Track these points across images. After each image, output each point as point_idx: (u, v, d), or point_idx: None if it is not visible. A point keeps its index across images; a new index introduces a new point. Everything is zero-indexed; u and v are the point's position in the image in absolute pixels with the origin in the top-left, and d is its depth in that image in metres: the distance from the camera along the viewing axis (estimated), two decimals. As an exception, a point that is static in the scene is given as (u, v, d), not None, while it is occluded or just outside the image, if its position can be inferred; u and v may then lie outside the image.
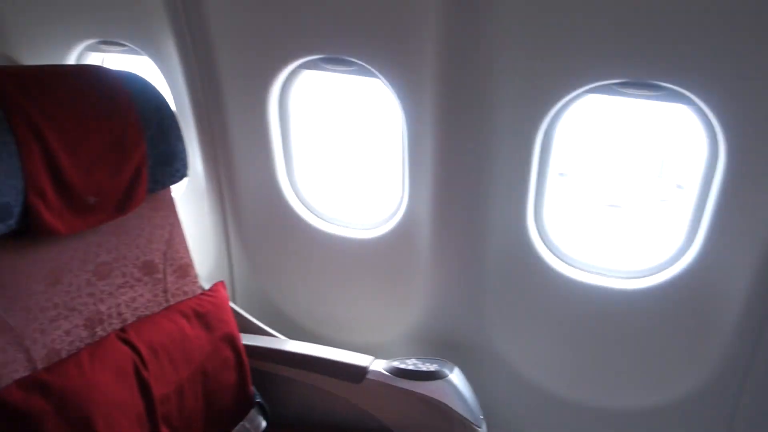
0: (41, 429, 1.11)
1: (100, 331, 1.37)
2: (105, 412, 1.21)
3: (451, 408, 1.49)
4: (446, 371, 1.53)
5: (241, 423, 1.52)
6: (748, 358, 1.41)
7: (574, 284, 1.57)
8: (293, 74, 1.68)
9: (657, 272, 1.50)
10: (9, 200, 1.14)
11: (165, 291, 1.54)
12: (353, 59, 1.56)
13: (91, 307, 1.36)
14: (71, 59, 1.92)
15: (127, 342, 1.36)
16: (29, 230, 1.22)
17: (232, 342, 1.56)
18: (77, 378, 1.20)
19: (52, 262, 1.29)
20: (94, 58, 1.96)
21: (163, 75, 1.82)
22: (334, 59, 1.59)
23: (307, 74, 1.71)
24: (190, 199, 1.92)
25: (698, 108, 1.33)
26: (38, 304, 1.25)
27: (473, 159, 1.51)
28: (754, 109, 1.23)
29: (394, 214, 1.75)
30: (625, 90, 1.37)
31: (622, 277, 1.54)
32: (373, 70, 1.55)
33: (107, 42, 1.88)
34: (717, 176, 1.36)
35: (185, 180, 1.90)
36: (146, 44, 1.79)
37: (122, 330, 1.39)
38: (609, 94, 1.41)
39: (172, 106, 1.52)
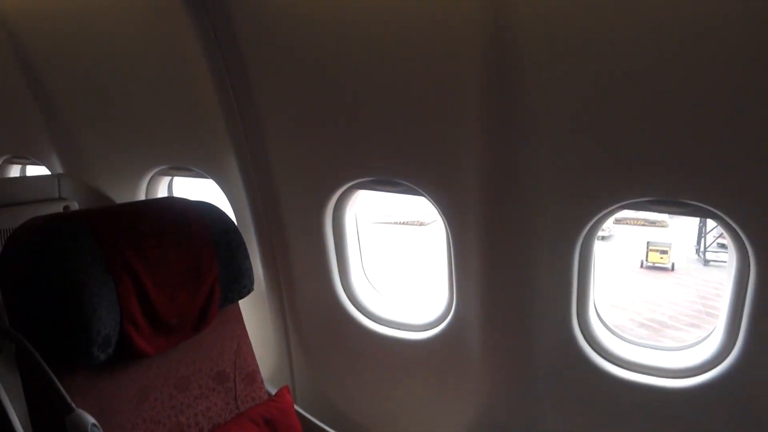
0: None
1: (181, 442, 1.48)
2: None
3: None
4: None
5: None
6: None
7: (620, 382, 1.64)
8: (346, 193, 1.85)
9: (700, 372, 1.56)
10: (109, 332, 1.29)
11: (235, 398, 1.66)
12: (401, 181, 1.72)
13: (173, 419, 1.48)
14: (144, 182, 2.14)
15: (206, 453, 1.47)
16: (121, 356, 1.36)
17: (299, 448, 1.66)
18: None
19: (140, 382, 1.43)
20: (164, 181, 2.18)
21: (226, 195, 2.01)
22: (384, 180, 1.76)
23: (359, 193, 1.88)
24: (252, 304, 2.06)
25: (725, 222, 1.43)
26: (129, 421, 1.37)
27: (517, 267, 1.63)
28: None
29: (445, 316, 1.86)
30: (655, 207, 1.48)
31: (662, 376, 1.60)
32: (419, 190, 1.70)
33: (176, 167, 2.09)
34: (750, 284, 1.44)
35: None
36: (212, 169, 2.00)
37: (201, 441, 1.50)
38: (640, 209, 1.52)
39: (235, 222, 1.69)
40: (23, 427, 1.13)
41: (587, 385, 1.68)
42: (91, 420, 1.08)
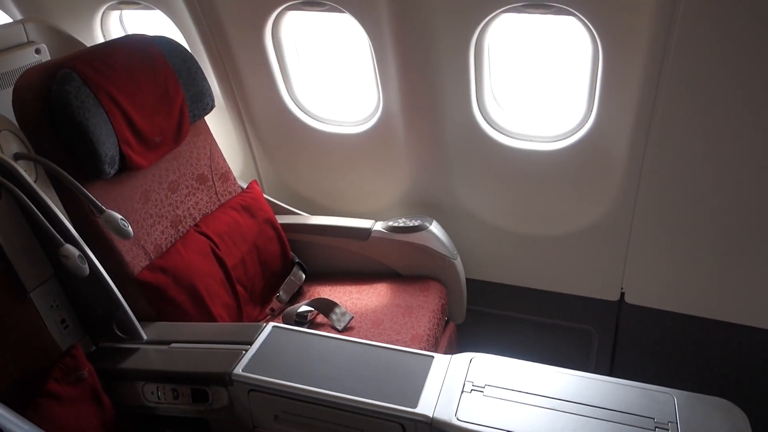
0: (168, 295, 1.74)
1: (181, 228, 1.96)
2: (202, 280, 1.84)
3: (433, 249, 2.12)
4: (427, 224, 2.15)
5: (288, 277, 2.16)
6: (633, 197, 1.99)
7: (511, 150, 2.12)
8: (280, 15, 2.13)
9: (567, 137, 2.05)
10: (113, 153, 1.68)
11: (216, 193, 2.12)
12: (326, 2, 2.01)
13: (172, 213, 1.94)
14: (97, 18, 2.35)
15: (202, 233, 1.95)
16: (124, 169, 1.76)
17: (271, 223, 2.17)
18: (180, 261, 1.82)
19: (142, 187, 1.86)
20: (114, 16, 2.38)
21: (176, 25, 2.26)
22: (312, 2, 2.04)
23: (291, 14, 2.16)
24: (217, 121, 2.43)
25: (580, 18, 1.80)
26: (141, 217, 1.83)
27: (427, 66, 2.01)
28: (619, 17, 1.71)
29: (375, 113, 2.27)
30: (528, 9, 1.83)
31: (544, 141, 2.09)
32: (341, 8, 2.00)
33: (126, 2, 2.29)
34: (600, 67, 1.86)
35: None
36: (159, 1, 2.22)
37: (196, 225, 1.98)
38: (518, 13, 1.87)
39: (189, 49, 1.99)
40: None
41: (485, 156, 2.17)
42: (119, 216, 1.52)
